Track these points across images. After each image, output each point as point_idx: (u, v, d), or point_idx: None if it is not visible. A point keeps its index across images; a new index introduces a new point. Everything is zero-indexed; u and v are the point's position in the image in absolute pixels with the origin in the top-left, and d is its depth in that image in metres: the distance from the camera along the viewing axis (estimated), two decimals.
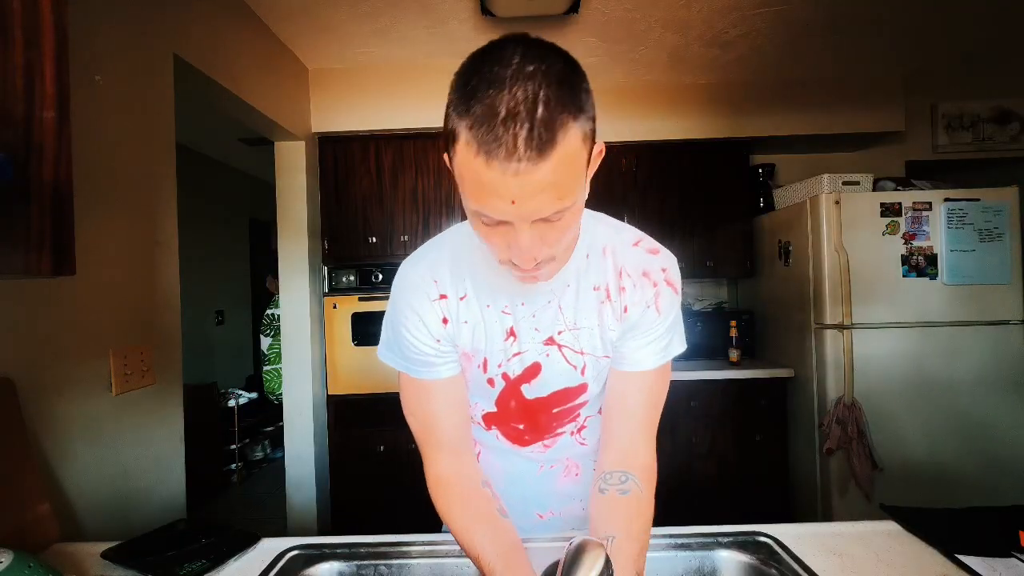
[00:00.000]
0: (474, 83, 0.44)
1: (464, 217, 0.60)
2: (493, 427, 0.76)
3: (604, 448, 0.69)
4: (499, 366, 0.68)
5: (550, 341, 0.67)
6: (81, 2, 1.08)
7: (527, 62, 0.43)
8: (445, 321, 0.65)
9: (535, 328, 0.66)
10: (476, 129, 0.43)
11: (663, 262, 0.67)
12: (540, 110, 0.42)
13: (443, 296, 0.65)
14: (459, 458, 0.68)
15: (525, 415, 0.73)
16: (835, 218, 2.08)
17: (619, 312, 0.66)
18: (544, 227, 0.49)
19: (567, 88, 0.44)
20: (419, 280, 0.66)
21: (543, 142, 0.42)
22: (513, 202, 0.45)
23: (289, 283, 2.34)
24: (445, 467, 0.67)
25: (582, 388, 0.71)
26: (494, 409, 0.74)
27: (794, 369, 2.32)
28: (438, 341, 0.65)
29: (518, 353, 0.67)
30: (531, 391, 0.70)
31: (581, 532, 0.80)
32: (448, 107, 0.47)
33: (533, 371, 0.68)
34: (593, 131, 0.49)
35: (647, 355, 0.67)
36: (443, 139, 0.50)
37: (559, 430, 0.76)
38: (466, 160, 0.45)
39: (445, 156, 0.51)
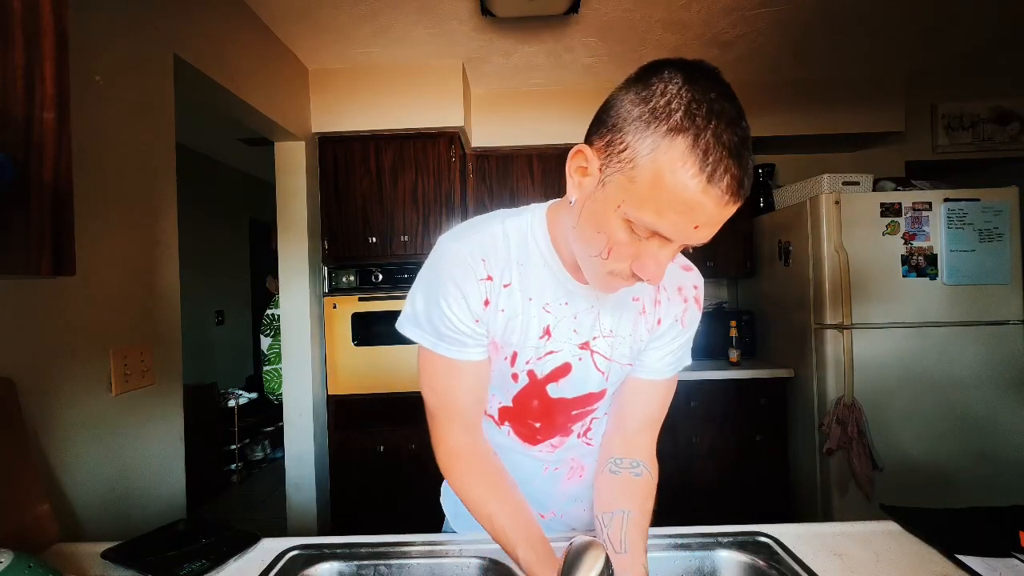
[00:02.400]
0: (699, 100, 0.44)
1: (459, 217, 0.60)
2: (506, 423, 0.76)
3: (614, 438, 0.74)
4: (527, 363, 0.68)
5: (585, 345, 0.67)
6: (81, 2, 1.08)
7: (735, 99, 0.46)
8: (487, 303, 0.63)
9: (574, 330, 0.66)
10: (709, 151, 0.42)
11: (695, 280, 0.71)
12: (751, 156, 0.45)
13: (489, 277, 0.63)
14: (473, 433, 0.70)
15: (545, 414, 0.73)
16: (835, 218, 2.08)
17: (652, 324, 0.69)
18: (670, 256, 0.51)
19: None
20: (467, 256, 0.62)
21: (747, 189, 0.45)
22: (697, 227, 0.46)
23: (289, 283, 2.34)
24: (459, 439, 0.68)
25: (602, 394, 0.73)
26: (510, 404, 0.73)
27: (794, 369, 2.32)
28: (477, 322, 0.63)
29: (551, 352, 0.67)
30: (557, 391, 0.70)
31: (580, 532, 0.80)
32: (640, 113, 0.46)
33: (563, 371, 0.68)
34: None
35: (665, 365, 0.71)
36: (603, 128, 0.49)
37: (570, 427, 0.76)
38: (673, 171, 0.43)
39: (585, 152, 0.51)
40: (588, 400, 0.73)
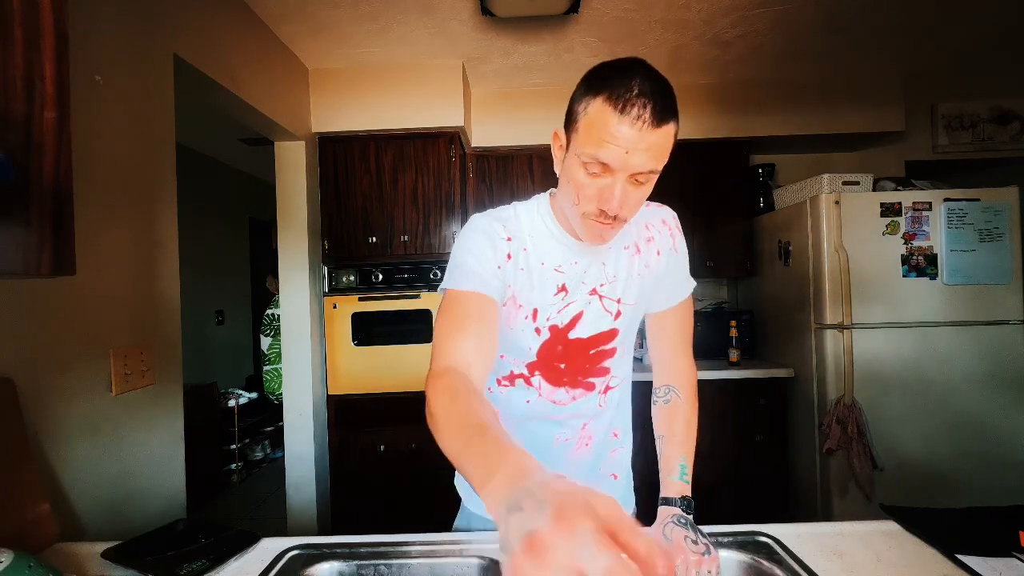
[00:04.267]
0: (610, 74, 0.61)
1: (459, 217, 0.64)
2: (536, 373, 0.82)
3: (654, 370, 0.89)
4: (548, 318, 0.78)
5: (593, 292, 0.79)
6: (81, 2, 1.08)
7: (651, 71, 0.61)
8: (509, 256, 0.76)
9: (583, 282, 0.78)
10: (618, 93, 0.59)
11: (669, 211, 0.86)
12: (661, 99, 0.59)
13: (510, 239, 0.77)
14: (476, 384, 0.63)
15: (567, 355, 0.81)
16: (835, 218, 2.08)
17: (650, 259, 0.82)
18: (631, 188, 0.63)
19: (672, 99, 0.62)
20: (489, 224, 0.77)
21: (661, 119, 0.59)
22: (627, 152, 0.59)
23: (289, 283, 2.34)
24: (457, 381, 0.60)
25: (614, 333, 0.82)
26: (534, 359, 0.81)
27: (794, 369, 2.32)
28: (499, 268, 0.74)
29: (567, 304, 0.78)
30: (574, 333, 0.80)
31: None
32: (580, 91, 0.64)
33: (578, 318, 0.79)
34: (676, 137, 0.64)
35: (676, 291, 0.85)
36: (569, 113, 0.66)
37: (590, 379, 0.83)
38: (600, 113, 0.60)
39: (559, 132, 0.69)
40: (602, 339, 0.81)
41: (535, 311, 0.78)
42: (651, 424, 0.87)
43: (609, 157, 0.60)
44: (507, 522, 0.34)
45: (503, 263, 0.75)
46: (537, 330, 0.79)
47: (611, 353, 0.83)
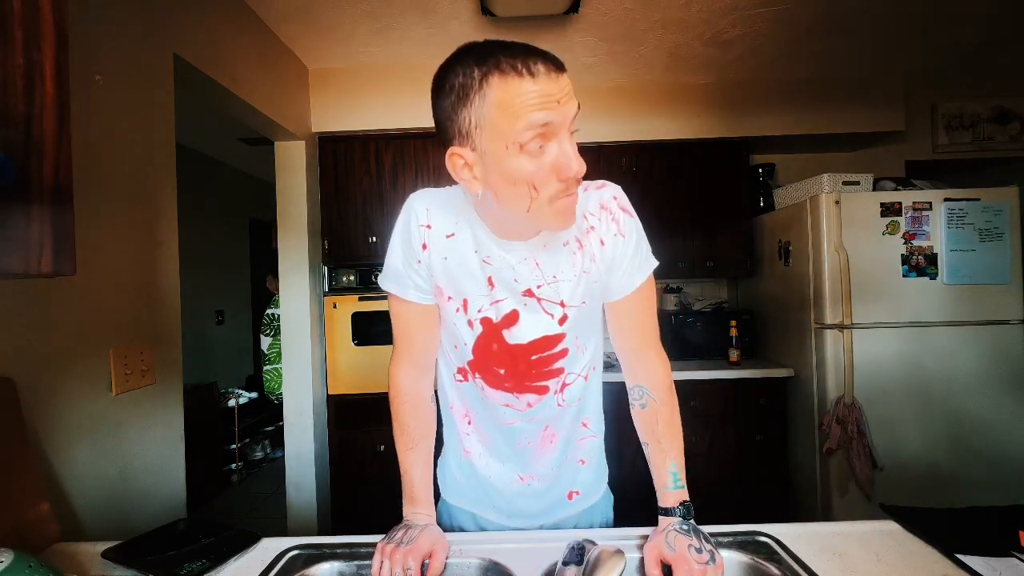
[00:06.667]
0: (471, 63, 0.58)
1: None
2: (477, 374, 0.79)
3: (623, 369, 0.83)
4: (479, 311, 0.75)
5: (528, 293, 0.73)
6: (81, 2, 1.08)
7: (500, 43, 0.59)
8: (424, 246, 0.74)
9: (514, 279, 0.73)
10: (509, 64, 0.55)
11: (612, 191, 0.76)
12: (542, 52, 0.58)
13: (428, 226, 0.74)
14: (421, 371, 0.84)
15: (506, 359, 0.77)
16: (835, 218, 2.08)
17: (594, 251, 0.74)
18: (571, 144, 0.59)
19: None
20: (414, 204, 0.76)
21: (558, 65, 0.58)
22: (559, 101, 0.56)
23: (289, 283, 2.34)
24: (408, 377, 0.84)
25: (559, 337, 0.76)
26: (471, 357, 0.78)
27: (794, 369, 2.32)
28: (419, 263, 0.75)
29: (497, 301, 0.74)
30: (511, 337, 0.76)
31: (577, 532, 0.80)
32: (453, 98, 0.59)
33: (511, 319, 0.75)
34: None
35: (629, 279, 0.76)
36: (450, 126, 0.61)
37: (542, 383, 0.78)
38: (507, 91, 0.55)
39: (452, 156, 0.62)
40: (546, 344, 0.76)
41: (465, 302, 0.75)
42: (623, 422, 0.86)
43: (549, 116, 0.56)
44: (395, 527, 0.76)
45: (421, 256, 0.74)
46: (470, 323, 0.76)
47: (561, 355, 0.77)
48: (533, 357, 0.76)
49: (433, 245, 0.74)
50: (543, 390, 0.79)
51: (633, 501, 1.07)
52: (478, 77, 0.56)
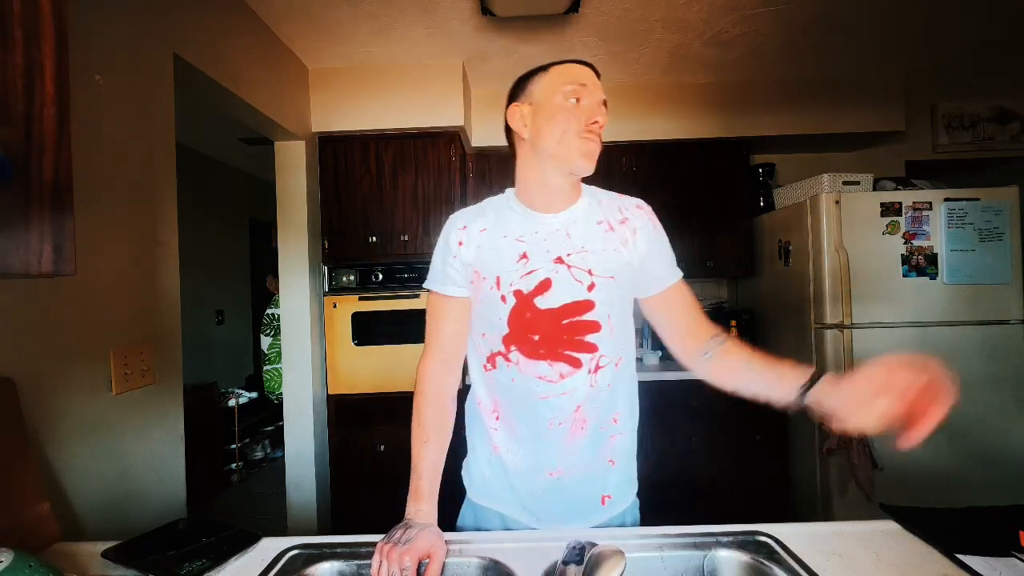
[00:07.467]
0: (556, 61, 0.85)
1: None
2: (513, 348, 0.84)
3: (686, 342, 0.88)
4: (511, 284, 0.83)
5: (559, 260, 0.83)
6: (81, 2, 1.08)
7: (583, 62, 0.86)
8: (460, 243, 0.88)
9: (546, 250, 0.84)
10: (566, 64, 0.84)
11: (642, 202, 0.92)
12: (589, 64, 0.86)
13: (464, 228, 0.89)
14: (448, 369, 0.91)
15: (538, 325, 0.83)
16: (835, 218, 2.08)
17: (627, 237, 0.86)
18: (599, 105, 0.82)
19: None
20: (452, 218, 0.92)
21: (592, 67, 0.85)
22: (583, 84, 0.81)
23: (289, 283, 2.34)
24: (435, 367, 0.91)
25: (589, 304, 0.83)
26: (507, 330, 0.84)
27: None
28: (455, 258, 0.88)
29: (529, 272, 0.83)
30: (543, 302, 0.83)
31: (576, 532, 0.80)
32: (525, 80, 0.86)
33: (544, 286, 0.83)
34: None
35: (667, 269, 0.88)
36: (519, 93, 0.86)
37: (576, 354, 0.83)
38: (561, 70, 0.83)
39: (514, 107, 0.86)
40: (575, 309, 0.83)
41: (498, 279, 0.84)
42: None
43: (586, 79, 0.82)
44: (396, 527, 0.76)
45: (457, 251, 0.88)
46: (503, 298, 0.84)
47: (593, 327, 0.83)
48: (564, 321, 0.83)
49: (469, 241, 0.88)
50: (576, 363, 0.83)
51: (642, 502, 1.07)
52: (546, 66, 0.84)
